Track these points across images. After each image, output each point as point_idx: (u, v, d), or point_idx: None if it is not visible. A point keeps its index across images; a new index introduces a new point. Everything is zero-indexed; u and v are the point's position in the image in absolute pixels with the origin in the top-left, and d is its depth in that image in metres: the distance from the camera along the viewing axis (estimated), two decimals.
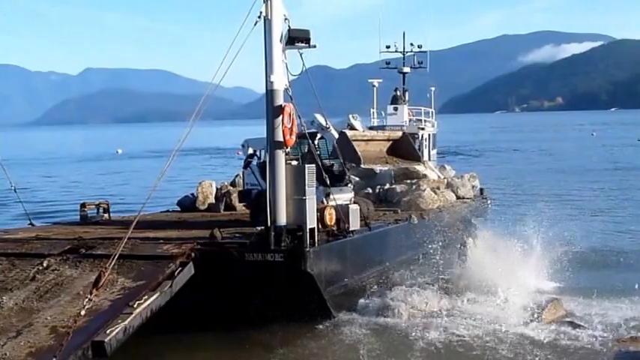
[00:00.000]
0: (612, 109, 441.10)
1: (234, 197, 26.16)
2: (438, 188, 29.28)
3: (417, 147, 33.82)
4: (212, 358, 16.18)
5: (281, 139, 16.70)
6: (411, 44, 38.85)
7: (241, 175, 25.40)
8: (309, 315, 17.14)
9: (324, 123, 23.10)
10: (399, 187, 28.83)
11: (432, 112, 38.75)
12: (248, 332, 16.67)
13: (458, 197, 30.90)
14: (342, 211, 18.96)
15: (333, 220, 18.76)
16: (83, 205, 24.65)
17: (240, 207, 25.32)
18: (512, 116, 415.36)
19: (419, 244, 24.35)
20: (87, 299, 13.68)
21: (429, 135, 36.03)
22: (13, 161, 64.93)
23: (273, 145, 16.80)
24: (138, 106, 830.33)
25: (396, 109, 36.27)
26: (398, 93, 37.22)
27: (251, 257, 16.38)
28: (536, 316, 17.54)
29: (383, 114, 36.78)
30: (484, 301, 19.28)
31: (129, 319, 13.33)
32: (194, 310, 16.23)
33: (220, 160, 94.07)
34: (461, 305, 18.97)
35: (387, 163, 27.69)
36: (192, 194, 27.91)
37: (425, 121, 36.86)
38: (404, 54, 38.71)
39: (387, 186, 29.33)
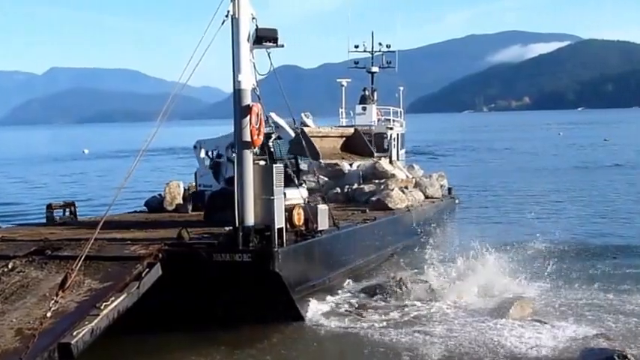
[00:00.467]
0: (579, 109, 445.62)
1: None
2: (407, 188, 29.44)
3: (385, 146, 34.22)
4: (179, 358, 16.08)
5: (249, 139, 16.67)
6: (380, 44, 39.14)
7: (194, 177, 25.24)
8: (277, 315, 17.13)
9: (281, 122, 23.13)
10: (367, 187, 28.95)
11: (401, 112, 39.01)
12: (216, 333, 16.59)
13: (426, 197, 31.12)
14: (311, 211, 18.99)
15: (302, 220, 18.77)
16: (49, 206, 24.38)
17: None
18: (480, 116, 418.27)
19: (387, 243, 24.51)
20: (53, 301, 13.58)
21: (398, 134, 36.26)
22: None
23: (241, 145, 16.76)
24: (105, 105, 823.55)
25: (364, 108, 36.50)
26: (366, 93, 37.43)
27: (219, 257, 16.31)
28: (502, 314, 17.62)
29: (352, 114, 36.97)
30: (449, 299, 19.37)
31: (96, 321, 13.23)
32: (162, 311, 16.13)
33: (188, 160, 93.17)
34: (427, 305, 18.97)
35: (342, 159, 28.13)
36: (160, 195, 27.75)
37: (393, 120, 37.12)
38: (372, 54, 38.93)
39: (356, 185, 29.41)
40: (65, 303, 13.88)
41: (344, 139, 28.52)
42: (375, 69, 38.48)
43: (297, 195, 19.93)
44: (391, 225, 25.51)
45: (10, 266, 16.14)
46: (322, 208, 19.54)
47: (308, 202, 20.26)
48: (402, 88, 40.86)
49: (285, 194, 18.03)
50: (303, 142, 22.73)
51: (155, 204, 27.51)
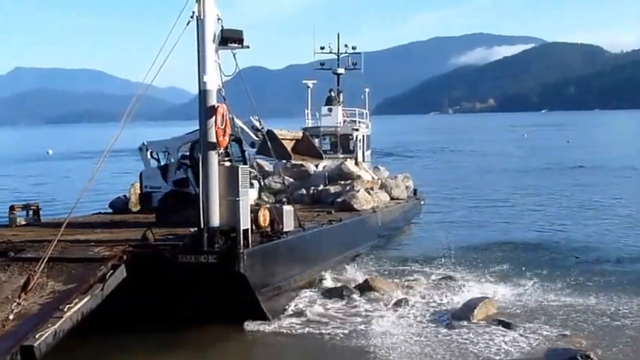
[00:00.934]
0: (542, 111, 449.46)
1: None
2: (372, 189, 29.53)
3: (351, 148, 34.42)
4: (143, 359, 16.00)
5: (214, 139, 16.63)
6: (345, 45, 39.21)
7: (139, 178, 25.04)
8: (242, 316, 17.13)
9: (240, 124, 23.13)
10: (333, 188, 29.00)
11: (367, 114, 39.12)
12: (180, 334, 16.54)
13: (392, 198, 31.24)
14: (277, 212, 18.98)
15: (267, 222, 18.76)
16: (12, 208, 24.13)
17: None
18: (446, 118, 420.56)
19: (353, 244, 24.58)
20: (15, 303, 13.46)
21: (363, 136, 36.38)
22: None
23: (206, 145, 16.71)
24: (70, 106, 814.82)
25: (330, 110, 36.56)
26: (332, 94, 37.47)
27: (184, 259, 16.25)
28: (467, 315, 17.73)
29: (317, 115, 36.98)
30: (414, 301, 19.42)
31: (59, 323, 13.14)
32: (126, 313, 16.05)
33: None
34: (392, 308, 18.98)
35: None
36: (125, 196, 27.59)
37: (359, 122, 37.21)
38: (338, 55, 38.98)
39: (321, 187, 29.45)
40: (28, 305, 13.76)
41: (294, 141, 29.02)
42: (340, 70, 38.56)
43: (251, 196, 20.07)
44: (357, 226, 25.59)
45: None
46: (288, 209, 19.54)
47: (257, 203, 20.29)
48: (367, 90, 40.98)
49: None
50: (269, 144, 22.73)
51: (120, 205, 27.36)
